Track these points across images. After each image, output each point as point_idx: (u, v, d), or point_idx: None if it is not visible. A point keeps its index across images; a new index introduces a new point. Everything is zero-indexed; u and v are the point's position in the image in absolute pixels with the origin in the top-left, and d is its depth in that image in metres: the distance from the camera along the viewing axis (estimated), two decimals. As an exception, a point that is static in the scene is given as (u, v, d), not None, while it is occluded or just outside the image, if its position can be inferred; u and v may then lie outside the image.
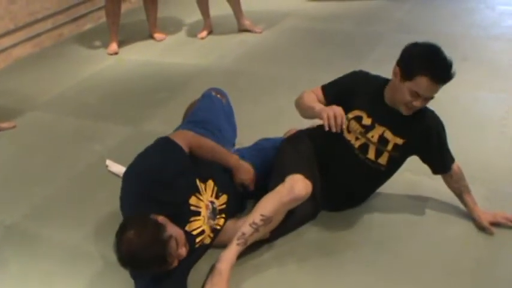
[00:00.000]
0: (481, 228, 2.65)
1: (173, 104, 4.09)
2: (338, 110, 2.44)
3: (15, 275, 2.58)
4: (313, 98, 2.66)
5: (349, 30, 5.48)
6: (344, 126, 2.44)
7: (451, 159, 2.65)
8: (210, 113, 3.03)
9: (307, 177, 2.48)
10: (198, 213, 2.42)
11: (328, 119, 2.40)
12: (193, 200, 2.42)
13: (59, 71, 5.02)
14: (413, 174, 3.00)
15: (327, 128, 2.41)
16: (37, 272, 2.59)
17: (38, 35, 5.55)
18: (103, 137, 3.72)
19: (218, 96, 3.13)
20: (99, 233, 2.75)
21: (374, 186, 2.80)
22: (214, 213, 2.52)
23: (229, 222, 2.60)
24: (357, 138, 2.60)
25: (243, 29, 5.58)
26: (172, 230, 2.20)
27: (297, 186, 2.43)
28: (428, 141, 2.57)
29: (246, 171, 2.68)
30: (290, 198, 2.42)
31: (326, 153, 2.69)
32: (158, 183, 2.33)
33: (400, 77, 2.44)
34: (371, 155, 2.58)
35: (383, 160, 2.58)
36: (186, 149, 2.50)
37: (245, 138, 3.18)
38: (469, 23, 5.45)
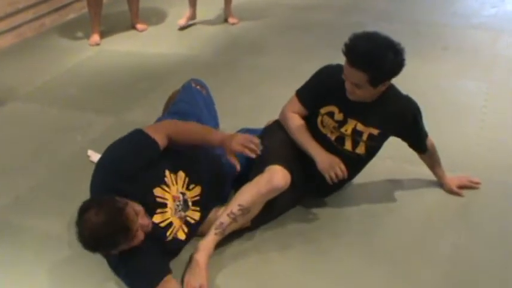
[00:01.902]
0: (451, 192, 2.83)
1: (155, 94, 4.08)
2: (338, 167, 2.52)
3: (-3, 265, 2.58)
4: (300, 125, 2.67)
5: (331, 19, 5.49)
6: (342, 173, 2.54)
7: (426, 139, 2.70)
8: (191, 104, 3.02)
9: (286, 167, 2.50)
10: (164, 205, 2.40)
11: (332, 179, 2.53)
12: (158, 191, 2.38)
13: (41, 61, 4.98)
14: (394, 162, 3.03)
15: (330, 183, 2.56)
16: (20, 262, 2.58)
17: (19, 25, 5.50)
18: (85, 127, 3.71)
19: (198, 87, 3.13)
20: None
21: (355, 171, 2.79)
22: (186, 204, 2.49)
23: (211, 213, 2.60)
24: (331, 132, 2.61)
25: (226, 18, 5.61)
26: (127, 200, 2.21)
27: (275, 177, 2.45)
28: (404, 125, 2.58)
29: (236, 141, 2.45)
30: (268, 188, 2.45)
31: None
32: (119, 175, 2.32)
33: None
34: (348, 146, 2.59)
35: (361, 150, 2.60)
36: (163, 140, 2.45)
37: (227, 127, 3.18)
38: (450, 12, 5.48)
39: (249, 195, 2.45)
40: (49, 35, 5.64)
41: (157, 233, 2.34)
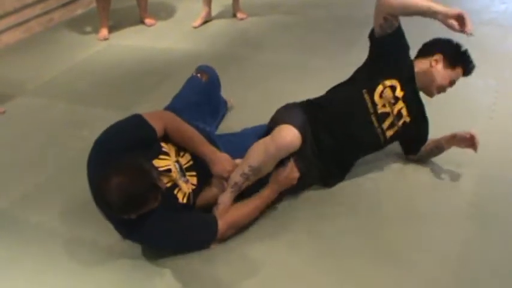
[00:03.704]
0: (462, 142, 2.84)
1: (163, 89, 4.08)
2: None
3: (4, 261, 2.59)
4: None
5: (340, 15, 5.45)
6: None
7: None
8: (183, 100, 3.06)
9: (296, 127, 2.48)
10: (169, 171, 2.42)
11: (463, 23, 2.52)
12: (158, 163, 2.40)
13: (49, 56, 4.99)
14: (404, 158, 3.02)
15: (462, 31, 2.53)
16: (27, 259, 2.59)
17: (28, 20, 5.52)
18: (93, 122, 3.70)
19: (198, 75, 3.15)
20: (89, 219, 2.74)
21: (359, 156, 2.90)
22: (182, 172, 2.52)
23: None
24: (384, 105, 2.67)
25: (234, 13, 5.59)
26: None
27: (282, 134, 2.45)
28: (424, 126, 2.83)
29: (222, 164, 2.54)
30: (276, 145, 2.44)
31: (341, 111, 2.73)
32: (115, 148, 2.34)
33: (444, 64, 2.73)
34: (385, 125, 2.70)
35: (390, 133, 2.72)
36: (159, 130, 2.48)
37: (236, 123, 3.19)
38: (460, 8, 5.43)
39: (258, 155, 2.48)
40: (57, 30, 5.66)
41: (168, 194, 2.37)
